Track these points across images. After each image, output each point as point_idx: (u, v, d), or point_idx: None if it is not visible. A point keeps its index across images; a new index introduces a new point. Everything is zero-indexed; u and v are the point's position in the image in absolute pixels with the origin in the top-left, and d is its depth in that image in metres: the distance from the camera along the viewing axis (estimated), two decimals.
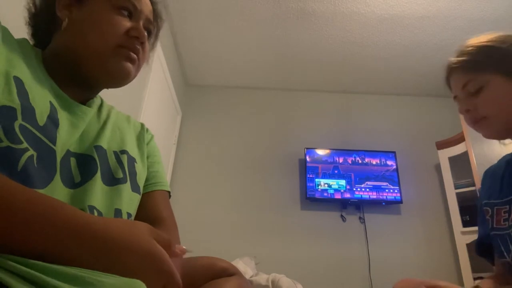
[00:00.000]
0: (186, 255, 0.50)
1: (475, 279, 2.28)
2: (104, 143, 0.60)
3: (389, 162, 2.91)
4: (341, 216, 2.80)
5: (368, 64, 2.93)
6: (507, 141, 0.86)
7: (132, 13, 0.62)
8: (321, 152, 2.94)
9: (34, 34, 0.65)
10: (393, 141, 3.08)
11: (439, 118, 3.17)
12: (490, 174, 0.93)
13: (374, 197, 2.77)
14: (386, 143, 3.05)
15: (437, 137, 2.87)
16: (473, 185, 2.42)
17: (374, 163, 2.90)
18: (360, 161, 2.91)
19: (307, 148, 2.94)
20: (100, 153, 0.58)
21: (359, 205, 2.81)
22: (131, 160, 0.64)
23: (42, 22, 0.64)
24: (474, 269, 2.33)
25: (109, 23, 0.59)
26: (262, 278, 1.61)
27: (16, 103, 0.46)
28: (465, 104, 0.84)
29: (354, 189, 2.79)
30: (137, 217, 0.63)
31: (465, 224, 2.49)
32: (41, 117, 0.49)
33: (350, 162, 2.90)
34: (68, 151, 0.54)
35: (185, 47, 2.83)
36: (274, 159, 3.00)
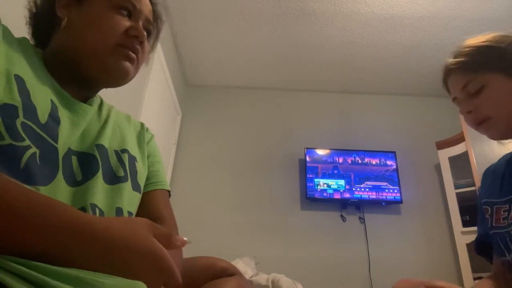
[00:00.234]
0: (187, 246, 0.50)
1: (475, 279, 2.28)
2: (105, 142, 0.61)
3: (389, 162, 2.91)
4: (341, 216, 2.80)
5: (368, 64, 2.93)
6: (506, 140, 0.85)
7: (132, 13, 0.63)
8: (321, 152, 2.94)
9: (34, 34, 0.65)
10: (393, 141, 3.08)
11: (439, 118, 3.17)
12: (490, 173, 0.93)
13: (374, 197, 2.77)
14: (386, 143, 3.05)
15: (437, 137, 2.87)
16: (473, 185, 2.42)
17: (373, 163, 2.90)
18: (359, 161, 2.91)
19: (307, 148, 2.94)
20: (102, 152, 0.59)
21: (359, 205, 2.81)
22: (132, 159, 0.65)
23: (43, 21, 0.64)
24: (474, 269, 2.33)
25: (109, 23, 0.59)
26: (262, 278, 1.61)
27: (17, 101, 0.46)
28: (466, 106, 0.83)
29: (354, 189, 2.79)
30: (138, 216, 0.63)
31: (465, 224, 2.49)
32: (43, 115, 0.49)
33: (349, 162, 2.90)
34: (69, 149, 0.54)
35: (185, 47, 2.83)
36: (274, 159, 3.00)
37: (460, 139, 2.62)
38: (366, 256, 2.65)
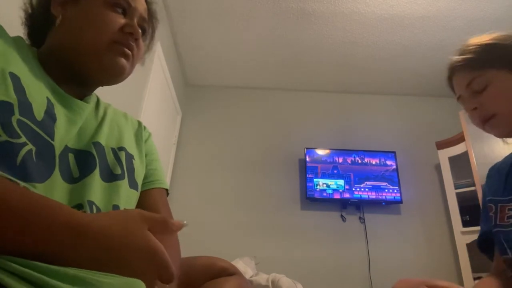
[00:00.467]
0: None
1: (475, 279, 2.28)
2: (102, 139, 0.61)
3: (388, 162, 2.90)
4: (341, 216, 2.79)
5: (368, 64, 2.92)
6: (510, 139, 0.85)
7: (126, 10, 0.63)
8: (321, 152, 2.94)
9: (30, 34, 0.66)
10: (393, 141, 3.08)
11: (439, 118, 3.17)
12: (495, 171, 0.93)
13: (374, 197, 2.77)
14: (386, 143, 3.05)
15: (437, 137, 2.87)
16: (473, 185, 2.42)
17: (373, 163, 2.90)
18: (359, 161, 2.91)
19: (307, 148, 2.94)
20: (99, 150, 0.59)
21: (359, 205, 2.81)
22: (129, 157, 0.65)
23: (38, 21, 0.64)
24: (474, 269, 2.33)
25: (103, 20, 0.59)
26: (262, 278, 1.61)
27: (12, 98, 0.46)
28: (470, 103, 0.83)
29: (353, 189, 2.79)
30: None
31: (465, 224, 2.49)
32: (39, 112, 0.50)
33: (349, 162, 2.90)
34: (66, 147, 0.54)
35: (185, 47, 2.83)
36: (274, 159, 3.00)
37: (460, 139, 2.62)
38: (366, 256, 2.65)
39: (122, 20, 0.61)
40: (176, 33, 2.67)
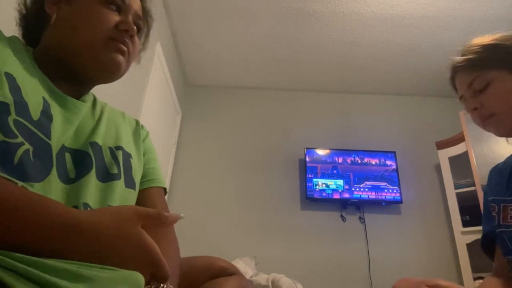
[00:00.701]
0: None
1: (475, 279, 2.27)
2: (99, 139, 0.60)
3: (388, 162, 2.90)
4: (341, 216, 2.79)
5: (368, 64, 2.93)
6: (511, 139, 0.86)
7: (121, 8, 0.63)
8: (321, 152, 2.94)
9: (25, 35, 0.65)
10: (393, 141, 3.08)
11: (439, 118, 3.17)
12: (497, 172, 0.93)
13: (373, 197, 2.76)
14: (386, 143, 3.05)
15: (437, 137, 2.87)
16: (473, 185, 2.42)
17: (373, 163, 2.90)
18: (359, 161, 2.91)
19: (307, 148, 2.94)
20: (96, 150, 0.59)
21: (359, 205, 2.81)
22: (127, 156, 0.65)
23: (32, 21, 0.64)
24: (474, 269, 2.33)
25: (98, 17, 0.59)
26: (262, 278, 1.61)
27: (8, 98, 0.46)
28: (471, 103, 0.84)
29: (353, 189, 2.79)
30: None
31: (465, 224, 2.49)
32: (35, 112, 0.50)
33: (349, 162, 2.90)
34: (63, 146, 0.54)
35: (185, 47, 2.83)
36: (274, 159, 3.00)
37: (460, 139, 2.62)
38: (366, 256, 2.65)
39: (116, 18, 0.61)
40: (176, 33, 2.67)
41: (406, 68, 2.96)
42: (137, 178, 0.65)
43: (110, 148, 0.62)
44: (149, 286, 0.41)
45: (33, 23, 0.64)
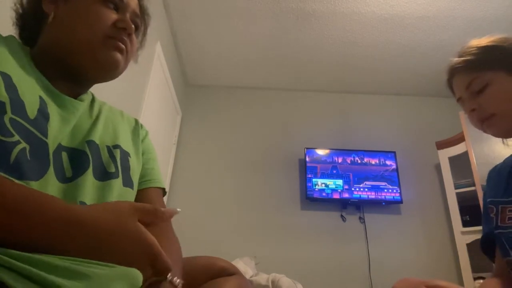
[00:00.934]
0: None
1: (475, 279, 2.28)
2: (96, 138, 0.60)
3: (388, 162, 2.90)
4: (341, 216, 2.79)
5: (368, 64, 2.93)
6: (510, 141, 0.86)
7: (118, 6, 0.63)
8: (321, 152, 2.94)
9: (21, 35, 0.65)
10: (393, 141, 3.08)
11: (439, 118, 3.17)
12: (496, 172, 0.94)
13: (373, 197, 2.77)
14: (386, 143, 3.05)
15: (437, 137, 2.87)
16: (473, 185, 2.42)
17: (373, 163, 2.90)
18: (359, 161, 2.91)
19: (307, 148, 2.94)
20: (93, 148, 0.58)
21: (359, 205, 2.81)
22: (125, 155, 0.64)
23: (29, 20, 0.64)
24: (474, 269, 2.33)
25: (96, 15, 0.59)
26: (262, 278, 1.61)
27: (4, 97, 0.46)
28: (469, 104, 0.84)
29: (353, 189, 2.79)
30: None
31: (465, 224, 2.49)
32: (32, 110, 0.49)
33: (349, 162, 2.90)
34: (59, 145, 0.54)
35: (185, 47, 2.83)
36: (274, 159, 3.00)
37: (460, 139, 2.62)
38: (366, 256, 2.65)
39: (114, 16, 0.61)
40: (176, 33, 2.67)
41: (406, 68, 2.96)
42: (135, 177, 0.65)
43: (107, 147, 0.62)
44: (151, 279, 0.41)
45: (30, 22, 0.64)
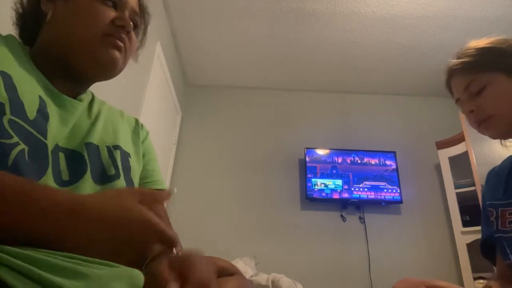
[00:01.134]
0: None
1: (475, 279, 2.27)
2: (95, 139, 0.60)
3: (388, 162, 2.90)
4: (341, 216, 2.80)
5: (368, 64, 2.93)
6: (509, 143, 0.86)
7: (117, 4, 0.63)
8: (321, 152, 2.94)
9: (21, 35, 0.65)
10: (393, 141, 3.08)
11: (439, 118, 3.17)
12: (494, 174, 0.93)
13: (373, 197, 2.77)
14: (386, 143, 3.05)
15: (437, 137, 2.87)
16: (473, 185, 2.42)
17: (373, 163, 2.90)
18: (358, 161, 2.91)
19: (307, 148, 2.94)
20: (91, 151, 0.58)
21: (359, 205, 2.81)
22: (125, 155, 0.64)
23: (29, 19, 0.64)
24: (474, 269, 2.33)
25: (94, 13, 0.59)
26: (262, 278, 1.61)
27: (3, 97, 0.46)
28: (468, 105, 0.84)
29: (352, 189, 2.79)
30: None
31: (465, 224, 2.49)
32: (31, 111, 0.49)
33: (349, 162, 2.90)
34: (56, 146, 0.53)
35: (185, 47, 2.83)
36: (274, 159, 3.00)
37: (460, 139, 2.62)
38: (366, 256, 2.65)
39: (113, 13, 0.61)
40: (176, 33, 2.67)
41: (406, 68, 2.96)
42: (135, 178, 0.65)
43: (107, 147, 0.61)
44: (161, 254, 0.41)
45: (29, 22, 0.64)
